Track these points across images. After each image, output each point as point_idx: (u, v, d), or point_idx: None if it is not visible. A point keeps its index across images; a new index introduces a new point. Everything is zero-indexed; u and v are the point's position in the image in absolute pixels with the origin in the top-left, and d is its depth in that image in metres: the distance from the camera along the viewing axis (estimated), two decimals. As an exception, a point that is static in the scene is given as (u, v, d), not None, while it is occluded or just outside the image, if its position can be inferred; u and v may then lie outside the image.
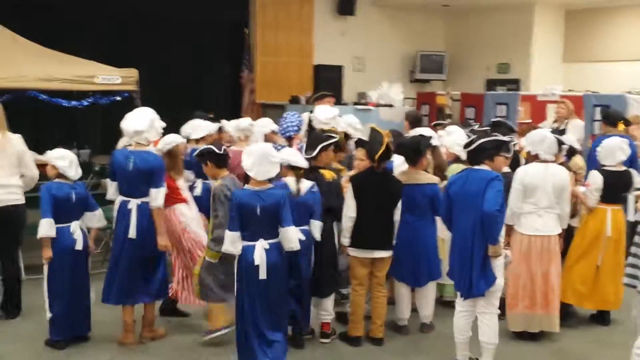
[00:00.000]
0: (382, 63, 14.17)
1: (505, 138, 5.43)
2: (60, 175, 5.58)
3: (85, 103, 7.69)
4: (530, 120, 7.33)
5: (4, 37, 7.95)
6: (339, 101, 11.64)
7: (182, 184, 6.13)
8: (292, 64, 13.45)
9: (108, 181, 5.67)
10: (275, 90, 13.05)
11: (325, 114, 6.88)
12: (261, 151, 4.96)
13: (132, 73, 7.95)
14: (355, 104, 12.10)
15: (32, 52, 7.89)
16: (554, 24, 13.55)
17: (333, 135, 5.96)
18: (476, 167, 5.04)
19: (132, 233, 5.45)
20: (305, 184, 5.40)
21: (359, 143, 5.89)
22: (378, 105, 11.96)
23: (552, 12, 13.44)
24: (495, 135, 5.46)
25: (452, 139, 6.58)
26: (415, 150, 5.75)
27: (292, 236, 4.93)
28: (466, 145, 5.09)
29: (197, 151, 5.68)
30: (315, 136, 6.03)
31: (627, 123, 7.94)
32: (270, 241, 4.95)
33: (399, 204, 5.59)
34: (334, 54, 13.52)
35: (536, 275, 5.79)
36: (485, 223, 4.84)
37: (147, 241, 5.50)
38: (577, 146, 7.44)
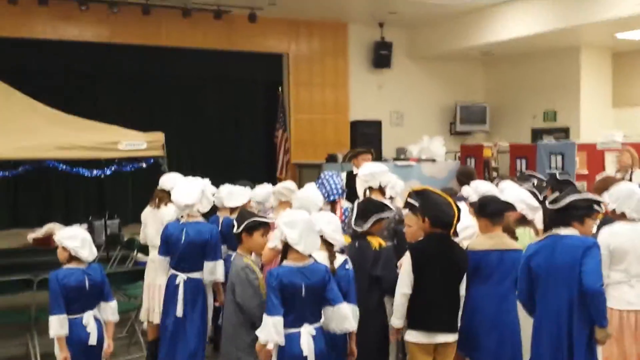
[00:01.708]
0: (421, 116, 13.54)
1: (593, 196, 4.47)
2: (72, 258, 4.76)
3: (108, 172, 6.96)
4: (608, 173, 6.42)
5: (23, 104, 7.37)
6: (378, 157, 10.91)
7: None
8: (327, 121, 12.91)
9: (158, 257, 5.33)
10: (311, 149, 12.53)
11: (363, 171, 5.97)
12: (305, 220, 4.15)
13: (158, 137, 7.23)
14: (395, 159, 11.33)
15: (51, 118, 7.26)
16: (601, 68, 12.68)
17: (389, 206, 5.08)
18: (562, 232, 4.10)
19: (179, 311, 5.10)
20: (338, 260, 4.51)
21: (410, 207, 4.99)
22: (419, 160, 11.20)
23: (598, 55, 12.58)
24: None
25: (514, 195, 5.58)
26: (501, 210, 4.79)
27: (347, 313, 4.12)
28: (553, 202, 4.15)
29: (250, 221, 4.68)
30: (368, 205, 5.11)
31: None
32: (316, 325, 4.10)
33: (465, 277, 4.65)
34: (370, 108, 12.96)
35: (631, 358, 4.74)
36: (589, 302, 3.91)
37: (195, 317, 5.10)
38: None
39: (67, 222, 10.75)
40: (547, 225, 4.25)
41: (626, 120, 12.32)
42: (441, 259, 4.55)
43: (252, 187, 6.40)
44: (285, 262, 4.14)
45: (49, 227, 9.86)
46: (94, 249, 4.87)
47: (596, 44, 12.24)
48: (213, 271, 5.04)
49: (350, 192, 7.27)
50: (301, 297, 4.00)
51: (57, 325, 4.55)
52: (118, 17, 10.79)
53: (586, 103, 12.46)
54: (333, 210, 6.20)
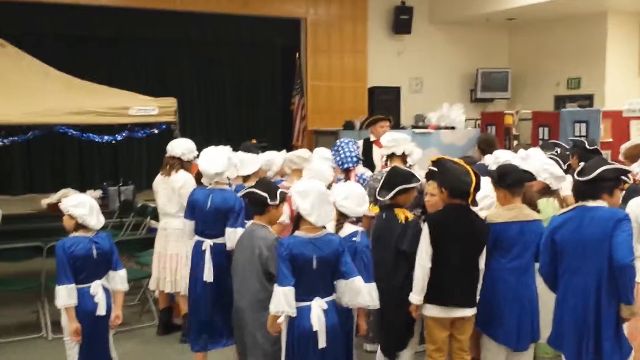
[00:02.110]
0: (441, 83, 13.19)
1: (622, 166, 4.20)
2: (79, 226, 4.61)
3: (119, 137, 6.78)
4: (636, 142, 6.10)
5: (35, 70, 7.19)
6: (396, 125, 10.65)
7: None
8: (345, 88, 12.61)
9: (183, 220, 5.27)
10: (328, 116, 12.23)
11: (388, 136, 5.72)
12: (318, 190, 3.92)
13: (170, 103, 7.01)
14: (414, 127, 11.07)
15: (62, 83, 7.07)
16: (628, 35, 12.18)
17: (416, 176, 4.85)
18: (591, 203, 3.85)
19: (207, 276, 4.92)
20: (347, 229, 4.29)
21: (431, 175, 4.76)
22: (439, 127, 10.92)
23: (626, 21, 12.09)
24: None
25: (539, 164, 5.31)
26: (521, 180, 4.51)
27: (360, 287, 3.89)
28: (581, 173, 3.89)
29: (282, 192, 4.43)
30: (395, 173, 4.85)
31: None
32: (328, 299, 3.90)
33: (484, 250, 4.42)
34: (389, 75, 12.62)
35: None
36: (618, 277, 3.67)
37: (224, 283, 4.84)
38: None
39: (81, 187, 10.70)
40: (576, 197, 3.99)
41: (653, 89, 11.92)
42: (460, 230, 4.33)
43: (257, 150, 6.21)
44: (297, 232, 3.93)
45: (63, 192, 9.73)
46: (102, 217, 4.70)
47: (624, 9, 11.75)
48: (230, 237, 4.90)
49: (367, 160, 7.07)
50: (312, 269, 3.80)
51: (66, 295, 4.40)
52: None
53: (611, 71, 12.01)
54: (347, 178, 6.01)
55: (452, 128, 10.91)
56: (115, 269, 4.71)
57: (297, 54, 12.20)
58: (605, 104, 11.44)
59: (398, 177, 4.75)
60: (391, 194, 4.59)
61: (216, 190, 5.07)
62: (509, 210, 4.47)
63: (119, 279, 4.72)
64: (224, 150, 5.19)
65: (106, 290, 4.63)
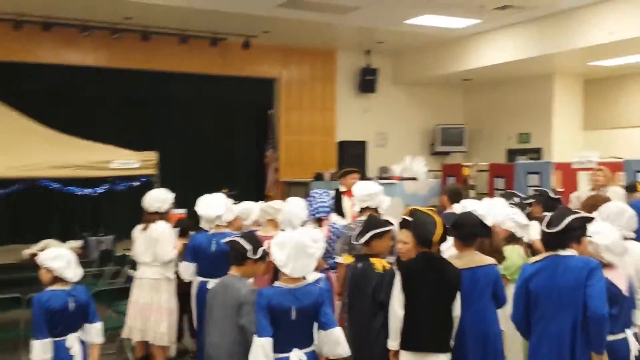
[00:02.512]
0: (404, 137, 13.10)
1: (587, 214, 3.97)
2: (56, 280, 4.22)
3: (100, 190, 6.41)
4: (584, 191, 5.96)
5: (19, 124, 6.83)
6: (363, 176, 10.42)
7: None
8: (315, 142, 12.46)
9: (185, 263, 5.23)
10: (299, 168, 12.04)
11: (361, 191, 5.39)
12: (296, 241, 3.62)
13: (151, 156, 6.69)
14: (380, 178, 10.85)
15: (46, 138, 6.71)
16: (573, 93, 12.28)
17: (390, 221, 4.60)
18: (562, 252, 3.61)
19: None
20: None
21: (404, 224, 4.50)
22: (402, 178, 10.73)
23: (571, 82, 12.19)
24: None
25: (504, 214, 5.08)
26: (475, 234, 4.30)
27: (339, 337, 3.63)
28: (550, 225, 3.65)
29: (264, 250, 3.99)
30: (370, 221, 4.63)
31: None
32: (306, 350, 3.58)
33: (458, 296, 4.14)
34: (356, 130, 12.52)
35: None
36: (592, 327, 3.40)
37: None
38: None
39: (63, 238, 10.20)
40: (545, 247, 3.75)
41: (596, 142, 11.87)
42: (430, 277, 4.05)
43: (228, 196, 5.82)
44: (276, 283, 3.63)
45: (44, 242, 9.25)
46: (79, 269, 4.32)
47: (569, 71, 11.86)
48: None
49: (337, 209, 6.81)
50: (291, 320, 3.48)
51: (40, 350, 3.99)
52: (118, 43, 10.31)
53: (558, 126, 12.05)
54: (320, 226, 5.72)
55: (414, 179, 10.76)
56: (92, 322, 4.32)
57: (271, 111, 12.02)
58: (553, 157, 11.43)
59: (372, 223, 4.50)
60: (366, 237, 4.34)
61: (217, 234, 4.98)
62: (458, 259, 4.25)
63: (94, 332, 4.32)
64: (220, 196, 5.18)
65: (82, 342, 4.23)
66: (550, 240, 3.65)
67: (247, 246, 3.91)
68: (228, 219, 5.17)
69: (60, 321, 4.11)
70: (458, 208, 5.23)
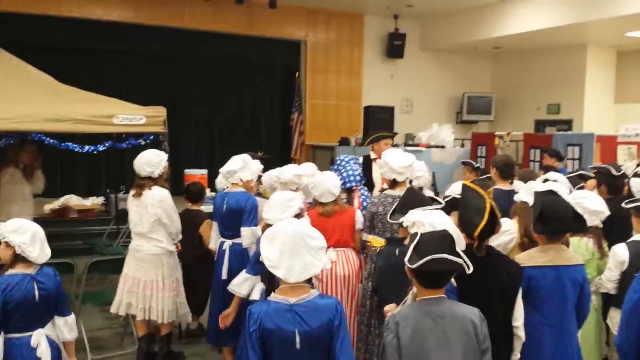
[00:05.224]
0: (430, 105, 11.59)
1: None
2: (19, 259, 3.01)
3: (102, 148, 5.15)
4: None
5: (18, 71, 5.56)
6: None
7: None
8: (341, 107, 11.02)
9: (212, 222, 4.64)
10: (325, 132, 10.68)
11: (400, 162, 4.02)
12: (292, 234, 2.23)
13: (159, 112, 5.36)
14: (406, 145, 9.46)
15: (45, 88, 5.43)
16: (606, 65, 10.68)
17: (438, 199, 3.26)
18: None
19: (224, 274, 4.26)
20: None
21: (453, 204, 3.18)
22: (429, 146, 9.31)
23: (604, 53, 10.58)
24: None
25: (571, 197, 3.63)
26: (570, 223, 2.86)
27: None
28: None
29: None
30: (411, 197, 3.27)
31: None
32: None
33: (519, 303, 2.79)
34: (382, 96, 11.04)
35: None
36: None
37: None
38: None
39: (87, 194, 9.10)
40: None
41: (626, 115, 10.36)
42: (479, 279, 2.69)
43: (257, 157, 4.89)
44: (272, 296, 2.24)
45: (65, 198, 8.22)
46: (47, 249, 3.08)
47: (603, 41, 10.25)
48: (245, 236, 4.26)
49: (366, 178, 5.44)
50: (295, 351, 2.13)
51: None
52: (143, -1, 8.99)
53: (590, 98, 10.52)
54: (350, 198, 4.42)
55: (442, 147, 9.36)
56: (62, 315, 3.11)
57: (297, 74, 10.64)
58: (583, 129, 9.94)
59: (414, 199, 3.17)
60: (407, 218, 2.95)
61: (230, 193, 4.41)
62: (543, 253, 2.87)
63: (67, 327, 3.11)
64: (245, 155, 4.56)
65: (51, 342, 3.03)
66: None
67: None
68: (243, 177, 4.44)
69: (23, 313, 2.92)
70: (519, 186, 3.85)
